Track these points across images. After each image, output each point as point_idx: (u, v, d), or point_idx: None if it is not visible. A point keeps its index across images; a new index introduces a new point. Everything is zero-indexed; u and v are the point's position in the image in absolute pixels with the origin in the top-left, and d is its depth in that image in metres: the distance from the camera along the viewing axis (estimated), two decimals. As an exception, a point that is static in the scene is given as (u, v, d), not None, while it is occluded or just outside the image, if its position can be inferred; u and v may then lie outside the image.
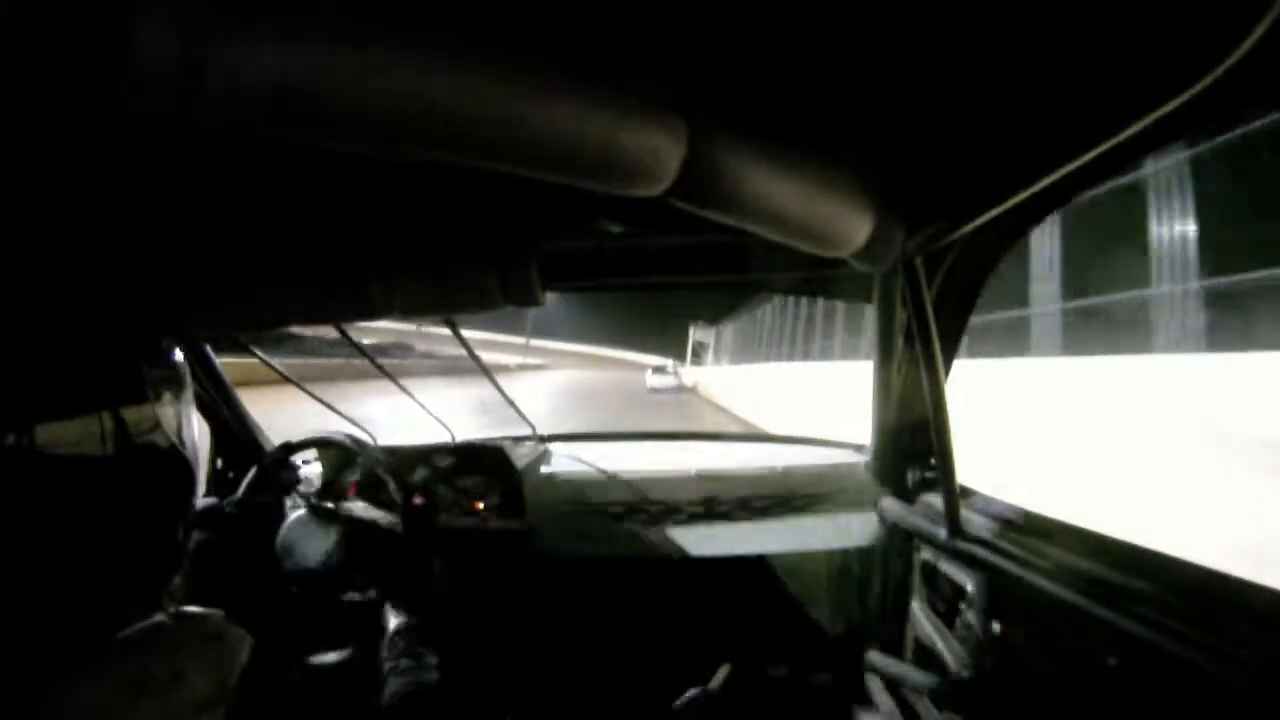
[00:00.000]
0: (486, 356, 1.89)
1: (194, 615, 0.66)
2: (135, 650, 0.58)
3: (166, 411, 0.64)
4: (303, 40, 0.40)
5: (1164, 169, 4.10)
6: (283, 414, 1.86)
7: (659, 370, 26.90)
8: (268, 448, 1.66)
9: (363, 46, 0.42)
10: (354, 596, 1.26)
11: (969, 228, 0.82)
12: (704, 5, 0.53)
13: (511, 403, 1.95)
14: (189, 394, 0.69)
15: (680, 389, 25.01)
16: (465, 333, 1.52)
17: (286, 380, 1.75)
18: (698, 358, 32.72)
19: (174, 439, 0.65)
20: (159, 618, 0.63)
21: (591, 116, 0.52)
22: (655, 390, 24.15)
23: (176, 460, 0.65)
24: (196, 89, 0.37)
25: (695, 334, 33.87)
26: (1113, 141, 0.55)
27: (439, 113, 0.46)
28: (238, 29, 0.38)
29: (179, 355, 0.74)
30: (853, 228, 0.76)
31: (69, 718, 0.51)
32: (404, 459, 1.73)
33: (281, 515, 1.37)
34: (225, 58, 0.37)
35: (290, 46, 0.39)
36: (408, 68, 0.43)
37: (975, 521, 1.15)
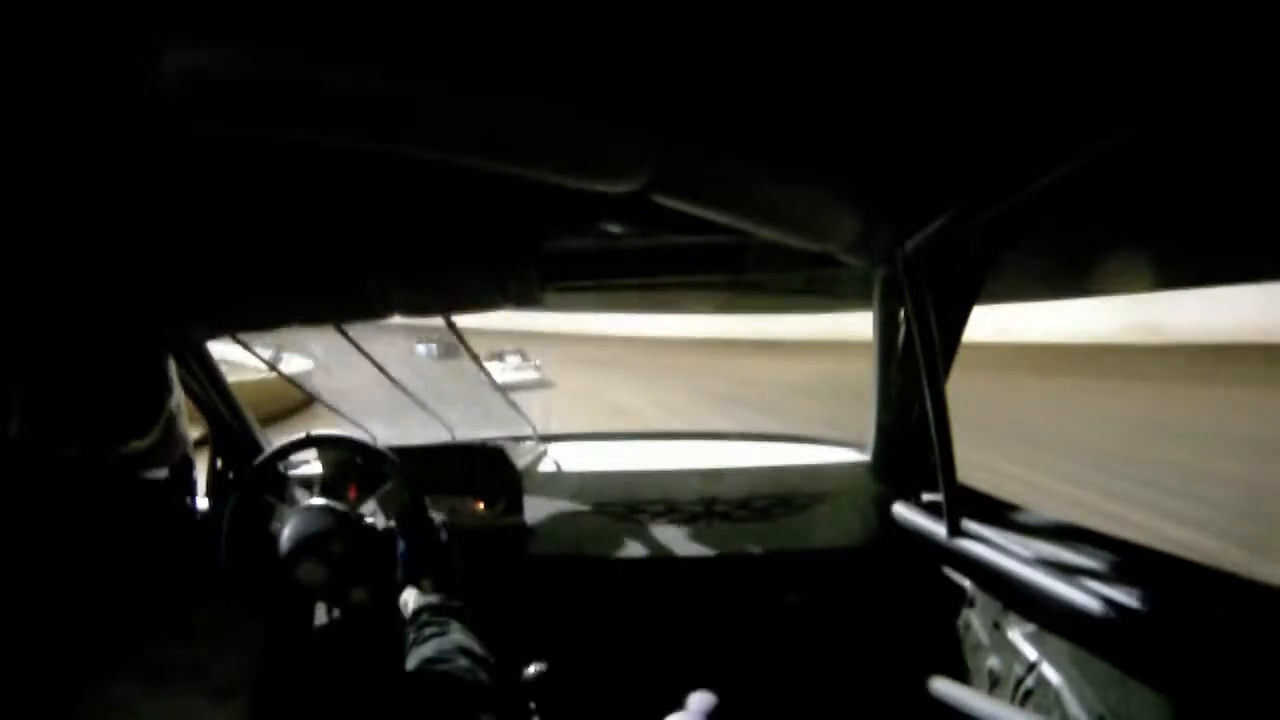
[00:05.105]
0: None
1: (213, 605, 0.66)
2: (155, 642, 0.58)
3: (163, 409, 0.64)
4: (262, 38, 0.40)
5: None
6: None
7: (516, 357, 17.48)
8: (266, 448, 1.66)
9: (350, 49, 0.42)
10: (357, 596, 1.26)
11: (969, 227, 0.82)
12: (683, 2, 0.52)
13: (511, 402, 1.95)
14: (179, 393, 0.70)
15: (542, 384, 16.57)
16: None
17: (288, 381, 1.75)
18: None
19: (171, 436, 0.65)
20: (178, 609, 0.64)
21: (561, 112, 0.52)
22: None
23: (176, 457, 0.66)
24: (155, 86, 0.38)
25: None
26: (1110, 140, 0.55)
27: (422, 112, 0.46)
28: (199, 27, 0.38)
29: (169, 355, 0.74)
30: (840, 222, 0.76)
31: (92, 714, 0.51)
32: (403, 458, 1.73)
33: (281, 516, 1.37)
34: (184, 53, 0.37)
35: (248, 46, 0.39)
36: (385, 70, 0.44)
37: (975, 521, 1.15)
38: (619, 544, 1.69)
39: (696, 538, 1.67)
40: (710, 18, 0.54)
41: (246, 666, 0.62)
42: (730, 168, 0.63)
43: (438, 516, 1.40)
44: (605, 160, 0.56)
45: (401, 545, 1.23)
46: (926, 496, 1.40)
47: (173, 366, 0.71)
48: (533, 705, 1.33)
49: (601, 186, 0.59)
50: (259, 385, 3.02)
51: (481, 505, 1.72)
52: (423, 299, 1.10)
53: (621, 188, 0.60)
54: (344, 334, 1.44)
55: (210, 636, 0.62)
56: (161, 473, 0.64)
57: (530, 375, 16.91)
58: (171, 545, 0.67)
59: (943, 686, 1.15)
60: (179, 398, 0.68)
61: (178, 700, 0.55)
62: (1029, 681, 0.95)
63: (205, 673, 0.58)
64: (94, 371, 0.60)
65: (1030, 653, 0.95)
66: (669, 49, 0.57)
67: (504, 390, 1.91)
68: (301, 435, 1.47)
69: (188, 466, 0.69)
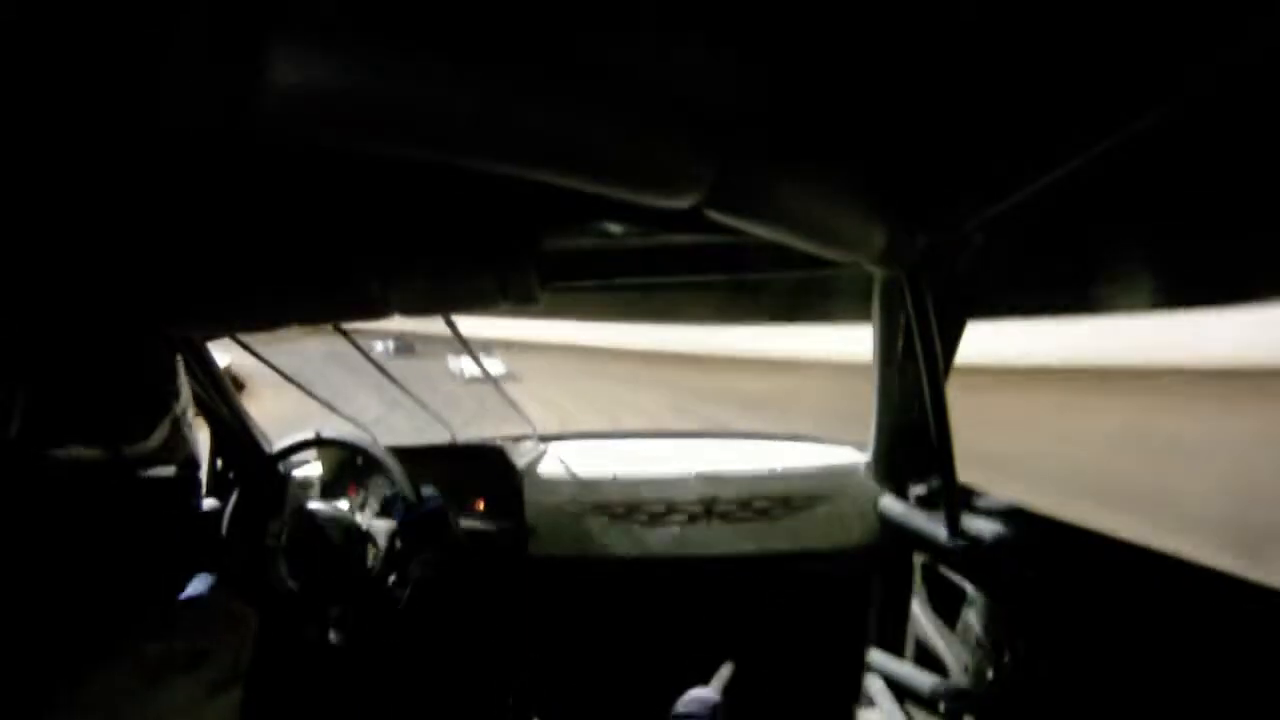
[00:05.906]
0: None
1: (210, 597, 0.67)
2: (157, 633, 0.59)
3: (169, 410, 0.65)
4: (360, 52, 0.40)
5: None
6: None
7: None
8: (267, 448, 1.66)
9: (423, 61, 0.43)
10: (356, 596, 1.26)
11: (970, 229, 0.82)
12: (733, 32, 0.55)
13: (512, 402, 1.95)
14: (187, 393, 0.70)
15: (511, 376, 17.59)
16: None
17: (288, 380, 1.75)
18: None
19: (178, 438, 0.65)
20: (178, 602, 0.64)
21: (635, 134, 0.54)
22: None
23: (182, 458, 0.66)
24: (250, 96, 0.38)
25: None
26: (1108, 144, 0.55)
27: (496, 127, 0.47)
28: (291, 39, 0.38)
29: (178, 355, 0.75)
30: (850, 226, 0.77)
31: (95, 703, 0.52)
32: (404, 458, 1.73)
33: (281, 516, 1.37)
34: (279, 66, 0.38)
35: (347, 57, 0.40)
36: (466, 84, 0.45)
37: (975, 521, 1.15)
38: (619, 544, 1.69)
39: (696, 538, 1.67)
40: (759, 32, 0.56)
41: (243, 657, 0.63)
42: (775, 179, 0.66)
43: (429, 491, 1.42)
44: (670, 176, 0.59)
45: (400, 514, 1.26)
46: (926, 497, 1.40)
47: (182, 370, 0.71)
48: (533, 704, 1.33)
49: (663, 202, 0.61)
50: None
51: (482, 505, 1.72)
52: (423, 299, 1.10)
53: (681, 203, 0.62)
54: (344, 334, 1.44)
55: (208, 628, 0.63)
56: (167, 472, 0.65)
57: (498, 370, 17.68)
58: (176, 544, 0.67)
59: (941, 686, 1.15)
60: (187, 400, 0.69)
61: (177, 691, 0.56)
62: (1028, 682, 0.95)
63: (203, 664, 0.58)
64: (98, 374, 0.60)
65: (1030, 653, 0.95)
66: (732, 63, 0.60)
67: (504, 391, 1.91)
68: (309, 435, 1.47)
69: (193, 467, 0.69)
